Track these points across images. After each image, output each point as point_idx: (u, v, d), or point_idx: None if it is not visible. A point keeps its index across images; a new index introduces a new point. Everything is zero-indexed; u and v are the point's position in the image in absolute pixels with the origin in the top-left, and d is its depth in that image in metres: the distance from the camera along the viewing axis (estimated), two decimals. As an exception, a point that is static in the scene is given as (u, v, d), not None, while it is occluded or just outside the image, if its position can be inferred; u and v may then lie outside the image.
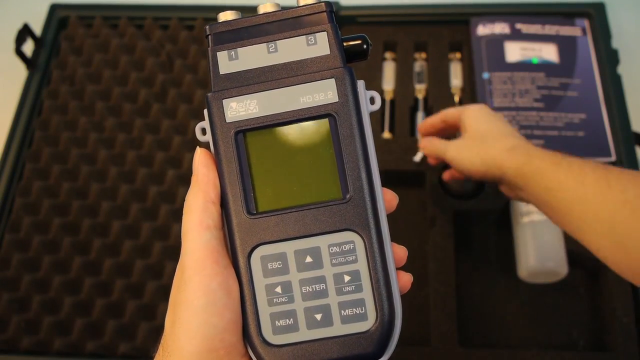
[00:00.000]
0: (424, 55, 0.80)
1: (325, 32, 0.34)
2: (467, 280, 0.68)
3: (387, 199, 0.34)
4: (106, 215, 0.71)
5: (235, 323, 0.31)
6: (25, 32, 0.80)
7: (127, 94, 0.78)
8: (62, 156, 0.75)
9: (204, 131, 0.34)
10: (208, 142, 0.34)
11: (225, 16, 0.34)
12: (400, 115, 0.76)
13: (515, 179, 0.53)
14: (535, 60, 0.76)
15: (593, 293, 0.66)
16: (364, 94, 0.34)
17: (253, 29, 0.34)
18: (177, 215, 0.71)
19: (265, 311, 0.32)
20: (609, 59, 0.75)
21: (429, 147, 0.63)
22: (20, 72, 0.82)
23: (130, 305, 0.66)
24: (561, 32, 0.78)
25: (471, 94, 0.77)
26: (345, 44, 0.34)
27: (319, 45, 0.33)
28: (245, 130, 0.33)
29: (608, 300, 0.64)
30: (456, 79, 0.78)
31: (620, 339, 0.61)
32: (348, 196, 0.32)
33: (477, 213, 0.69)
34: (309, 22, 0.34)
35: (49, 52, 0.82)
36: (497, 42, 0.78)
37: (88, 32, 0.83)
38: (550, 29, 0.79)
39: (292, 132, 0.33)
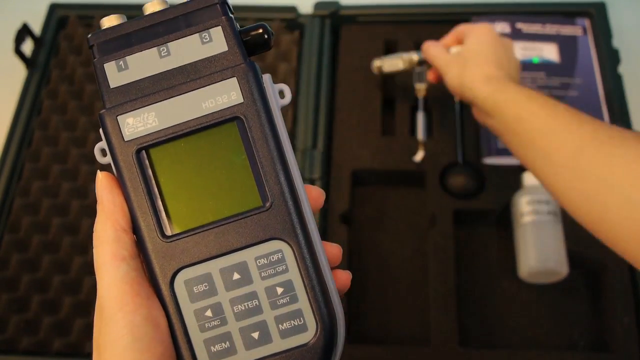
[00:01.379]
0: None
1: (220, 27, 0.30)
2: (467, 280, 0.68)
3: (312, 197, 0.31)
4: (106, 215, 0.71)
5: (168, 356, 0.29)
6: (24, 31, 0.80)
7: (126, 93, 0.78)
8: (61, 156, 0.75)
9: (103, 152, 0.31)
10: (110, 164, 0.31)
11: (109, 21, 0.31)
12: (401, 115, 0.75)
13: (485, 105, 0.55)
14: (535, 60, 0.76)
15: (593, 293, 0.66)
16: (271, 88, 0.31)
17: (141, 32, 0.30)
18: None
19: (198, 338, 0.30)
20: (610, 58, 0.75)
21: (429, 50, 0.65)
22: (19, 71, 0.82)
23: (130, 306, 0.66)
24: (562, 32, 0.78)
25: (471, 93, 0.76)
26: (243, 36, 0.31)
27: (215, 42, 0.30)
28: (147, 147, 0.30)
29: (608, 301, 0.63)
30: (456, 79, 0.77)
31: (621, 339, 0.61)
32: (268, 204, 0.30)
33: (477, 213, 0.69)
34: (201, 18, 0.30)
35: (48, 51, 0.82)
36: (497, 42, 0.77)
37: (87, 32, 0.83)
38: (550, 29, 0.78)
39: (199, 142, 0.30)
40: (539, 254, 0.64)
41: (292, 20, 0.81)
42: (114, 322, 0.28)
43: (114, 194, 0.30)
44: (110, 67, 0.30)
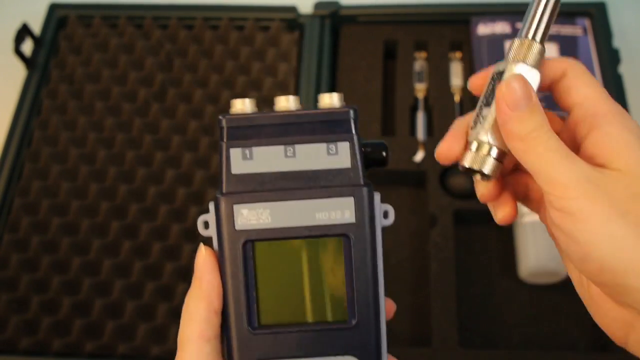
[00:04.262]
0: (424, 54, 0.80)
1: (348, 143, 0.31)
2: (467, 281, 0.67)
3: (387, 310, 0.33)
4: (105, 216, 0.71)
5: None
6: (24, 31, 0.80)
7: (126, 93, 0.78)
8: (61, 156, 0.75)
9: (206, 225, 0.32)
10: (208, 237, 0.32)
11: (241, 105, 0.32)
12: (400, 115, 0.75)
13: None
14: (535, 60, 0.76)
15: (594, 293, 0.66)
16: (379, 209, 0.32)
17: (272, 127, 0.31)
18: (176, 215, 0.70)
19: None
20: (610, 58, 0.75)
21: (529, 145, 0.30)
22: (19, 71, 0.82)
23: (130, 306, 0.66)
24: (562, 32, 0.78)
25: (471, 93, 0.76)
26: (364, 150, 0.32)
27: (340, 156, 0.31)
28: (255, 241, 0.31)
29: (609, 301, 0.63)
30: (457, 79, 0.77)
31: (621, 340, 0.61)
32: (354, 322, 0.31)
33: (477, 213, 0.69)
34: (331, 129, 0.31)
35: (48, 51, 0.82)
36: (497, 42, 0.77)
37: (87, 32, 0.83)
38: (551, 29, 0.78)
39: (304, 247, 0.32)
40: (539, 254, 0.64)
41: (292, 20, 0.81)
42: None
43: (214, 275, 0.31)
44: (235, 153, 0.31)
